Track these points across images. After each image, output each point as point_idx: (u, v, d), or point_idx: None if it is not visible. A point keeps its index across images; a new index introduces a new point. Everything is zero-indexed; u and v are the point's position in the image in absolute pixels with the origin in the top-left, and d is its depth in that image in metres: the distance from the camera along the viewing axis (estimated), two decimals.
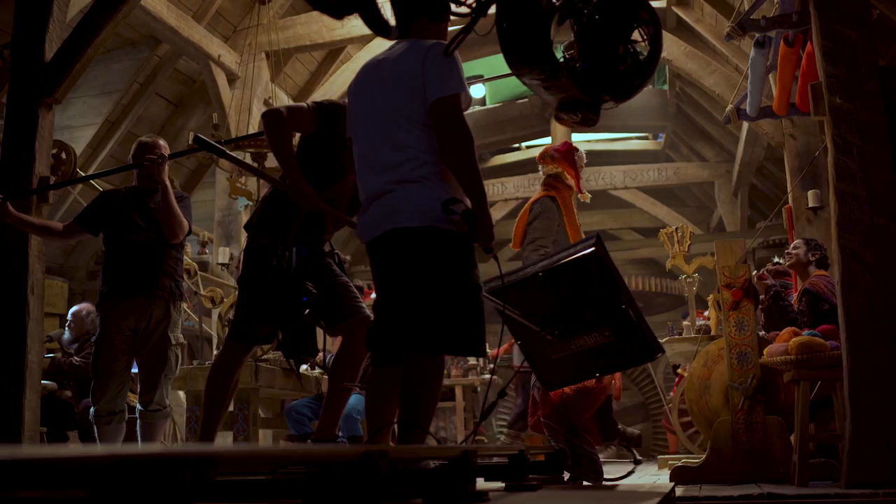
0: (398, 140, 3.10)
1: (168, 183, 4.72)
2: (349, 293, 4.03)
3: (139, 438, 4.87)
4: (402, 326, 3.09)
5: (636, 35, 3.02)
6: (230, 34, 9.76)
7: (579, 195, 5.24)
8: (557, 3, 2.83)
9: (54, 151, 5.42)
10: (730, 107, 6.87)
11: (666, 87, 14.21)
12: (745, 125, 10.02)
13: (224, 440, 6.73)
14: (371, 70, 3.23)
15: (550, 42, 2.83)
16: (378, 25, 2.31)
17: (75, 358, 6.37)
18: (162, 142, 4.94)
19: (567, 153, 5.18)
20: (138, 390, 4.85)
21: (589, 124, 3.03)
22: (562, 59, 2.90)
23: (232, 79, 9.49)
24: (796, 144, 7.99)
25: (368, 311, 3.98)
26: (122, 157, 10.06)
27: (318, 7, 2.11)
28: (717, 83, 8.67)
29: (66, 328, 6.69)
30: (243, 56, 9.48)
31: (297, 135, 4.05)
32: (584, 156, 5.27)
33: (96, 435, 4.75)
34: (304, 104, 3.89)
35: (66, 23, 5.50)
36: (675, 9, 10.28)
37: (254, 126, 9.42)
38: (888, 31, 5.83)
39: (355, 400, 6.50)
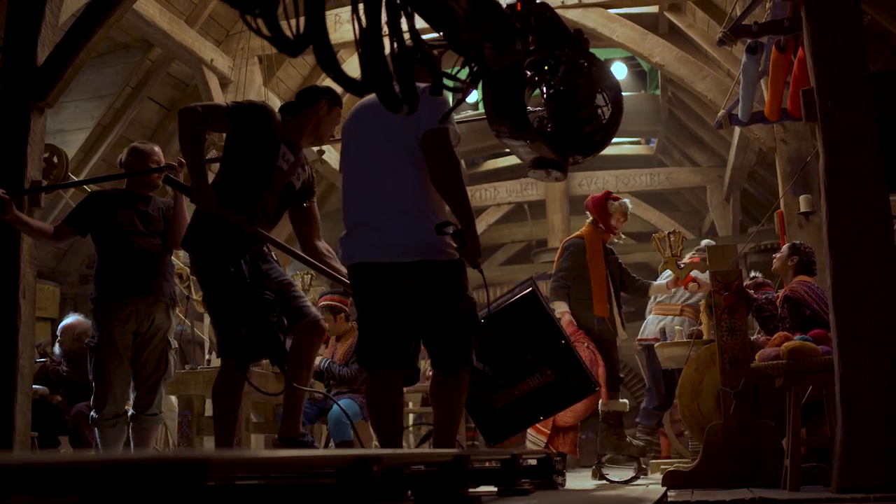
0: (393, 170, 3.46)
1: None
2: (294, 294, 4.12)
3: (133, 443, 4.87)
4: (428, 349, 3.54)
5: (599, 99, 3.35)
6: (223, 38, 9.75)
7: (614, 238, 6.09)
8: (528, 76, 3.19)
9: (46, 155, 5.41)
10: (722, 112, 6.89)
11: (658, 92, 14.25)
12: (737, 130, 10.05)
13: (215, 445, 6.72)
14: (367, 109, 3.58)
15: (526, 111, 3.15)
16: (392, 101, 2.50)
17: (63, 367, 6.34)
18: (157, 148, 5.00)
19: (599, 205, 6.00)
20: (137, 393, 4.84)
21: (558, 179, 3.45)
22: (535, 124, 3.23)
23: (224, 83, 9.48)
24: (788, 150, 8.00)
25: (315, 310, 4.18)
26: (114, 161, 10.00)
27: (339, 82, 2.27)
28: (709, 88, 8.68)
29: (58, 343, 6.62)
30: (236, 60, 9.47)
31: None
32: (626, 204, 6.07)
33: (98, 437, 4.74)
34: (222, 103, 4.02)
35: (58, 26, 5.49)
36: (667, 14, 10.30)
37: None
38: (879, 37, 5.86)
39: (345, 405, 6.48)
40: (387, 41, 2.41)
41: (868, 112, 3.97)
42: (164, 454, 1.13)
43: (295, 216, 4.25)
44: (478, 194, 14.34)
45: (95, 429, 4.75)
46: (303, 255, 4.13)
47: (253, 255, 3.95)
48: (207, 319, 7.83)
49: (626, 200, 6.19)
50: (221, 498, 1.87)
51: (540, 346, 4.30)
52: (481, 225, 14.03)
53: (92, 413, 4.73)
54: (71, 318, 6.75)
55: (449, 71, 2.98)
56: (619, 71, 14.76)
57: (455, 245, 3.38)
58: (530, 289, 4.37)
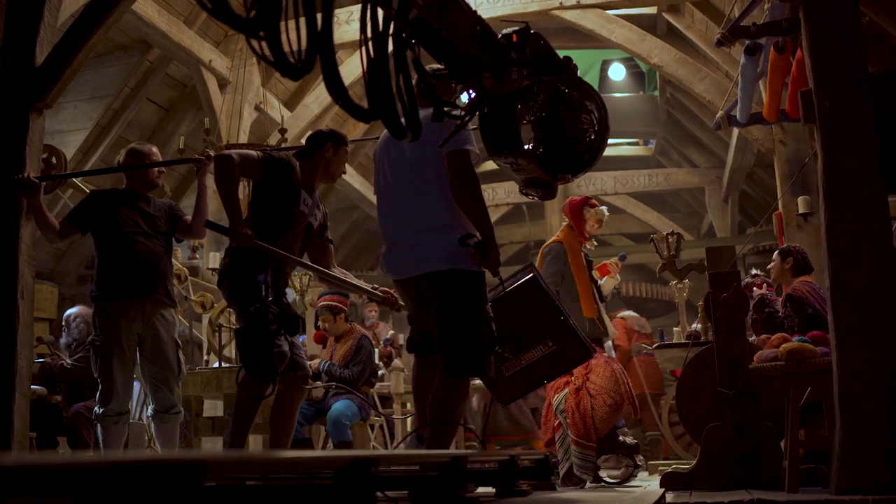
0: (421, 189, 3.86)
1: (206, 185, 4.95)
2: (295, 342, 4.54)
3: (159, 442, 4.96)
4: (440, 352, 3.86)
5: (584, 120, 3.56)
6: (221, 39, 9.76)
7: (587, 245, 6.17)
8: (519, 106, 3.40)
9: (44, 156, 5.40)
10: (720, 113, 6.89)
11: (657, 93, 14.26)
12: (736, 131, 10.06)
13: (214, 445, 6.72)
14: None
15: (519, 135, 3.37)
16: (397, 129, 2.71)
17: (66, 361, 6.35)
18: (154, 149, 5.06)
19: (575, 209, 6.10)
20: (153, 394, 4.89)
21: (548, 198, 3.80)
22: (526, 147, 3.46)
23: (223, 84, 9.49)
24: (786, 151, 8.02)
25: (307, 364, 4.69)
26: (112, 161, 10.01)
27: (349, 111, 2.43)
28: (708, 89, 8.69)
29: (64, 332, 6.66)
30: (234, 61, 9.48)
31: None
32: (602, 211, 6.18)
33: (99, 435, 4.76)
34: (254, 153, 4.37)
35: (56, 27, 5.48)
36: (665, 15, 10.32)
37: (245, 131, 9.42)
38: (877, 38, 5.86)
39: (344, 406, 6.50)
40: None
41: (866, 113, 3.97)
42: (162, 455, 1.13)
43: (312, 248, 4.66)
44: None
45: (97, 426, 4.77)
46: (331, 273, 4.55)
47: (279, 285, 4.36)
48: (205, 320, 7.84)
49: (604, 208, 6.23)
50: (220, 499, 1.87)
51: (541, 322, 4.76)
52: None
53: (96, 409, 4.74)
54: (75, 308, 6.79)
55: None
56: (618, 72, 14.76)
57: (477, 255, 3.76)
58: (531, 274, 4.84)
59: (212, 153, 4.92)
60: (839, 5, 4.09)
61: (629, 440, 5.89)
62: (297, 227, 4.39)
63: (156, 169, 5.02)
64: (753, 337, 5.49)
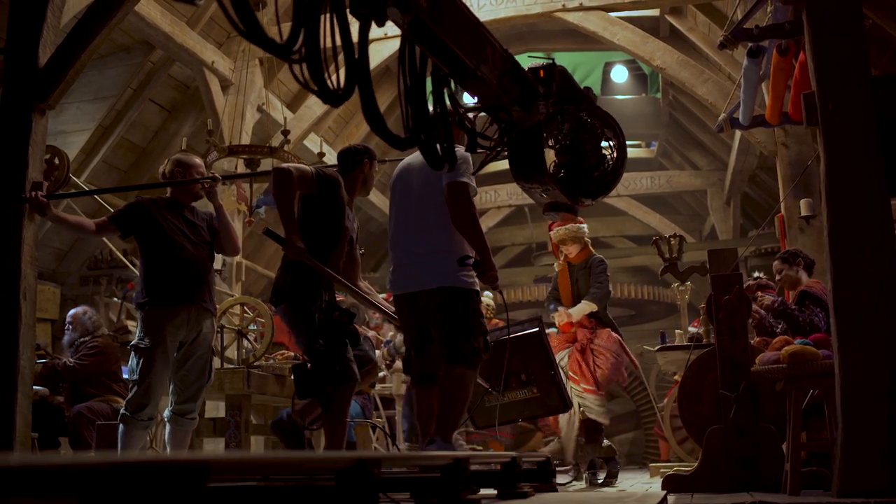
0: (424, 218, 4.33)
1: (221, 203, 5.11)
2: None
3: (170, 445, 4.99)
4: (440, 351, 4.27)
5: (605, 148, 3.79)
6: (224, 40, 9.76)
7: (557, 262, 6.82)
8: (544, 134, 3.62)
9: (47, 157, 5.41)
10: (722, 115, 6.89)
11: (659, 95, 14.25)
12: (738, 134, 10.05)
13: (215, 446, 6.72)
14: (406, 168, 4.52)
15: (544, 163, 3.60)
16: (435, 160, 3.00)
17: (70, 360, 6.36)
18: (198, 160, 5.21)
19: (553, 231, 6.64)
20: (176, 397, 4.94)
21: (569, 221, 4.22)
22: (550, 171, 3.68)
23: (225, 85, 9.49)
24: (789, 153, 8.01)
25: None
26: (115, 162, 10.04)
27: (384, 137, 2.62)
28: (710, 92, 8.68)
29: (67, 330, 6.69)
30: (237, 62, 9.48)
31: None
32: (569, 230, 6.52)
33: (122, 435, 4.77)
34: (308, 168, 4.66)
35: (59, 28, 5.49)
36: (668, 17, 10.31)
37: (247, 132, 9.42)
38: (880, 41, 5.86)
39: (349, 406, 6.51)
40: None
41: (869, 116, 3.97)
42: (166, 456, 1.13)
43: (344, 260, 4.87)
44: (478, 197, 14.33)
45: (121, 425, 4.77)
46: (361, 291, 4.84)
47: (333, 304, 4.70)
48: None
49: (568, 227, 6.57)
50: (223, 499, 1.87)
51: (533, 371, 5.40)
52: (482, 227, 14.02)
53: (125, 411, 4.76)
54: (79, 308, 6.81)
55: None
56: (620, 74, 14.74)
57: (475, 274, 4.23)
58: (537, 329, 5.40)
59: (218, 176, 5.12)
60: (842, 8, 4.09)
61: (606, 442, 6.22)
62: (344, 241, 4.71)
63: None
64: (755, 339, 5.50)
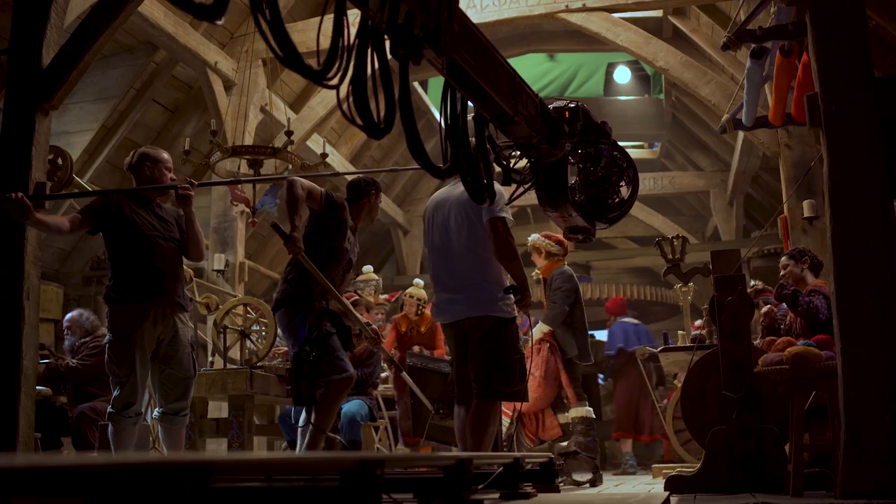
0: (466, 248, 4.67)
1: (193, 211, 5.08)
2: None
3: (165, 444, 4.98)
4: (476, 381, 4.61)
5: (623, 180, 4.18)
6: (227, 41, 9.76)
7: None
8: (573, 162, 4.04)
9: (50, 157, 5.41)
10: (726, 116, 6.89)
11: (662, 96, 14.25)
12: (741, 135, 10.05)
13: (218, 447, 6.72)
14: (443, 199, 4.84)
15: (569, 194, 4.00)
16: (478, 195, 3.35)
17: (72, 361, 6.36)
18: (166, 154, 5.15)
19: (563, 242, 6.83)
20: (166, 397, 4.91)
21: (588, 241, 4.42)
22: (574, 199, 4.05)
23: (229, 86, 9.49)
24: (792, 154, 8.01)
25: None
26: (118, 162, 10.03)
27: (427, 168, 2.94)
28: (713, 93, 8.68)
29: (67, 334, 6.67)
30: (240, 63, 9.48)
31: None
32: (531, 242, 7.15)
33: (112, 434, 4.74)
34: (319, 189, 5.02)
35: (63, 28, 5.49)
36: (671, 18, 10.31)
37: (250, 133, 9.42)
38: (884, 43, 5.86)
39: (357, 406, 6.56)
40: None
41: (872, 117, 3.97)
42: (171, 457, 1.13)
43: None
44: None
45: (110, 425, 4.76)
46: (347, 304, 5.23)
47: (330, 312, 5.07)
48: (210, 322, 7.85)
49: (531, 238, 7.16)
50: (227, 500, 1.87)
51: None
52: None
53: (111, 409, 4.74)
54: (74, 311, 6.80)
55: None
56: (623, 75, 14.75)
57: (514, 301, 4.61)
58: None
59: (194, 182, 5.11)
60: (845, 9, 4.09)
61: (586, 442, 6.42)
62: (342, 261, 5.12)
63: (168, 175, 5.06)
64: (758, 340, 5.49)
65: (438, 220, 4.83)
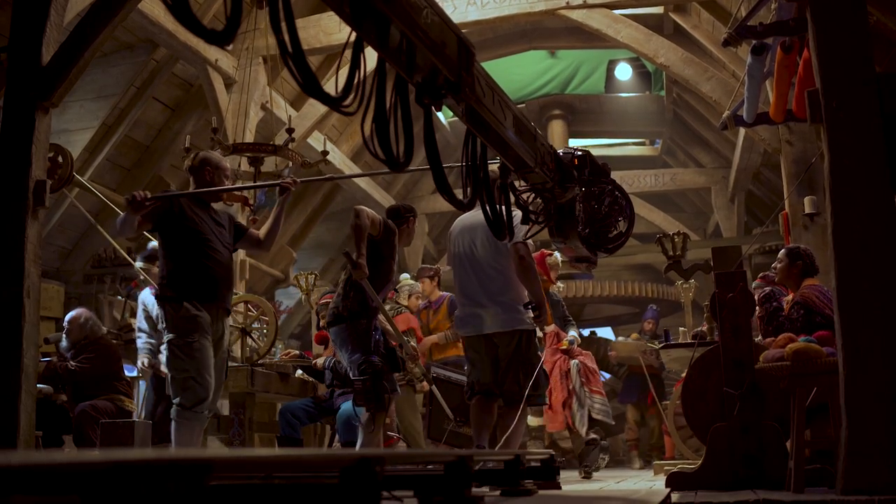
0: (492, 268, 5.41)
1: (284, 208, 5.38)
2: None
3: (178, 441, 4.91)
4: (503, 387, 5.37)
5: (621, 216, 4.53)
6: None
7: (552, 287, 7.69)
8: (578, 200, 4.35)
9: (50, 155, 5.41)
10: (727, 113, 6.88)
11: (663, 93, 14.23)
12: (742, 131, 10.04)
13: (219, 444, 6.73)
14: (469, 223, 5.54)
15: (577, 229, 4.31)
16: (500, 232, 3.67)
17: (71, 363, 6.35)
18: (226, 163, 5.28)
19: (540, 261, 7.04)
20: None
21: (591, 269, 5.07)
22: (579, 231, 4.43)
23: (229, 83, 9.49)
24: (793, 151, 7.99)
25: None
26: (118, 160, 10.05)
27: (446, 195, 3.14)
28: (714, 89, 8.67)
29: (64, 334, 6.66)
30: (241, 60, 9.47)
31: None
32: (556, 257, 7.50)
33: (180, 430, 4.68)
34: (379, 217, 5.57)
35: (63, 26, 5.49)
36: (672, 15, 10.30)
37: (251, 130, 9.42)
38: (885, 38, 5.84)
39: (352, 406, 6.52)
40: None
41: (873, 113, 3.96)
42: (168, 453, 1.13)
43: None
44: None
45: (175, 421, 4.69)
46: (394, 325, 6.00)
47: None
48: None
49: (557, 255, 7.41)
50: (225, 497, 1.87)
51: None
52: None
53: (182, 403, 4.68)
54: (75, 311, 6.78)
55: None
56: (624, 72, 14.72)
57: (532, 316, 5.27)
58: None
59: (297, 180, 5.44)
60: (846, 5, 4.09)
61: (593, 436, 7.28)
62: (390, 281, 5.72)
63: (227, 182, 5.20)
64: (759, 337, 5.48)
65: (466, 240, 5.53)
